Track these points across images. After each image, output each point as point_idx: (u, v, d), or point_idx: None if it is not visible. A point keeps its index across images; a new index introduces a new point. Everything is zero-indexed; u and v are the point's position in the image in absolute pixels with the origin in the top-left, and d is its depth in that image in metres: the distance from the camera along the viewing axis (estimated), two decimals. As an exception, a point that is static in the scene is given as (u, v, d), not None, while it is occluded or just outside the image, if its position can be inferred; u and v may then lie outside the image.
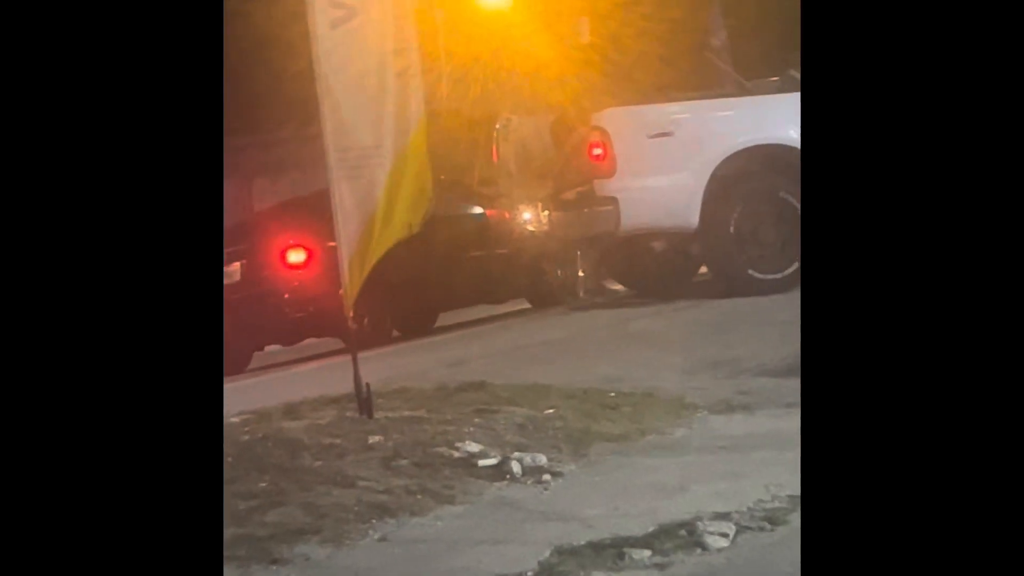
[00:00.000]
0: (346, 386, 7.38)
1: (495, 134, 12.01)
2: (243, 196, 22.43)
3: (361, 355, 7.36)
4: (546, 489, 6.02)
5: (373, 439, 6.64)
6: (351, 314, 7.36)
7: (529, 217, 11.53)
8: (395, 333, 13.64)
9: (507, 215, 11.98)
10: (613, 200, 10.84)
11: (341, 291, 7.28)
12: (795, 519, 5.42)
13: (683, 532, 5.26)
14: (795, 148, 10.96)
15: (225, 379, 11.78)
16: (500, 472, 6.18)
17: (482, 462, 6.28)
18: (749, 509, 5.49)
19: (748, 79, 11.94)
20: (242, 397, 8.40)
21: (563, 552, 5.14)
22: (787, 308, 10.08)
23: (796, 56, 11.50)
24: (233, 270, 12.95)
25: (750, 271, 10.95)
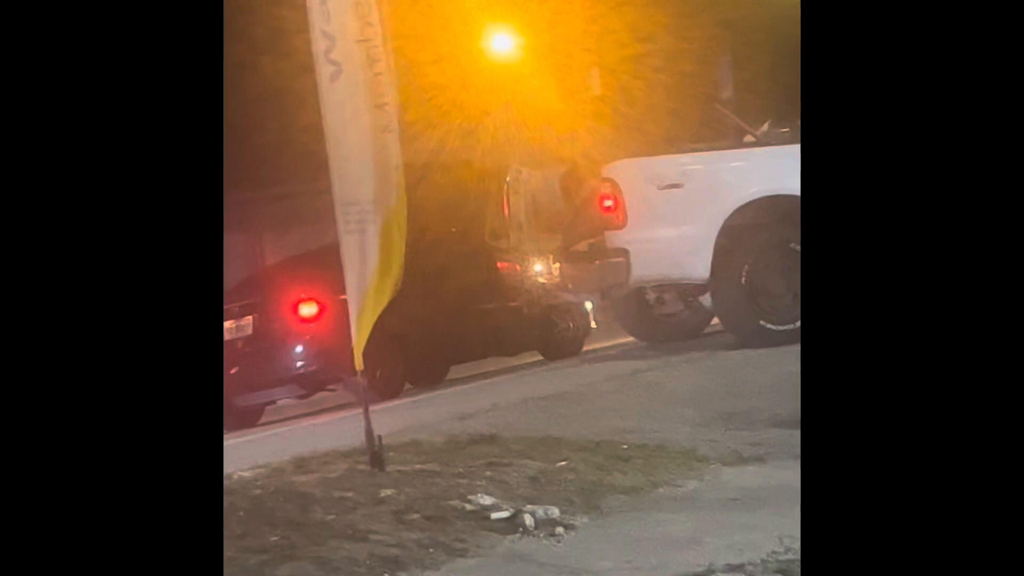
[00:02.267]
0: (357, 439, 7.37)
1: (505, 186, 12.03)
2: (254, 250, 22.48)
3: (372, 408, 7.35)
4: (559, 542, 6.00)
5: (385, 492, 6.62)
6: (362, 367, 7.35)
7: (540, 269, 11.54)
8: (407, 386, 13.63)
9: (518, 268, 11.99)
10: (624, 252, 10.84)
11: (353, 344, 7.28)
12: (809, 571, 5.40)
13: (696, 584, 5.25)
14: (806, 199, 10.97)
15: (237, 432, 11.74)
16: (512, 525, 6.16)
17: (494, 515, 6.26)
18: (763, 561, 5.46)
19: (758, 130, 11.96)
20: (254, 450, 8.39)
21: (576, 605, 5.13)
22: (799, 359, 10.07)
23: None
24: (245, 323, 12.96)
25: (761, 322, 10.93)
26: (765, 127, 11.74)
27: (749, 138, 11.77)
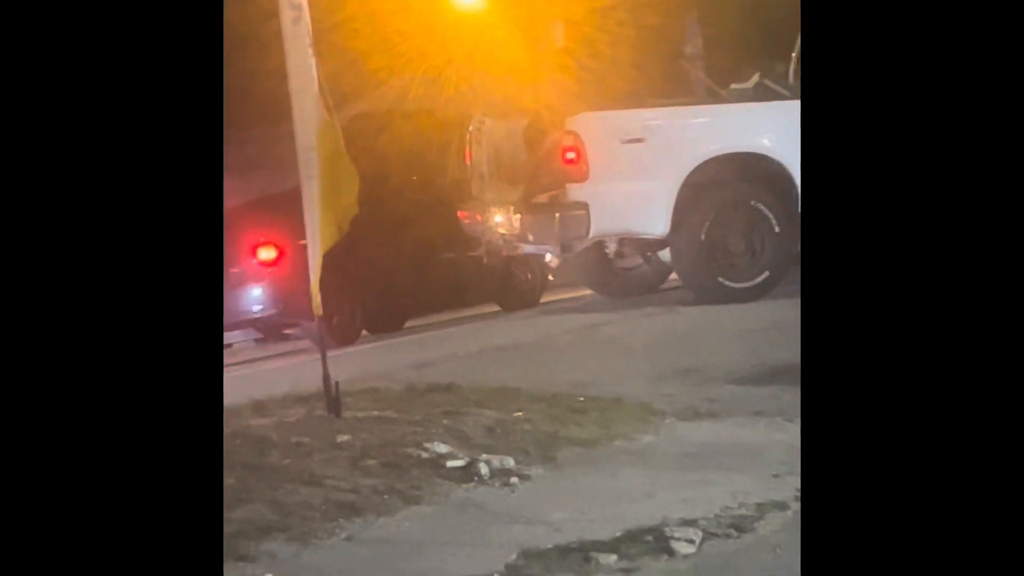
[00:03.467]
0: (315, 384, 7.37)
1: (468, 136, 12.00)
2: (214, 193, 22.37)
3: (329, 354, 7.35)
4: (513, 492, 6.02)
5: (341, 438, 6.63)
6: (320, 312, 7.35)
7: (500, 220, 11.53)
8: (364, 332, 13.62)
9: (479, 218, 11.97)
10: (584, 205, 10.84)
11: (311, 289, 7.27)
12: (761, 527, 5.44)
13: (650, 538, 5.28)
14: (768, 157, 10.99)
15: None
16: (468, 474, 6.18)
17: (450, 463, 6.28)
18: (716, 516, 5.50)
19: (722, 87, 11.97)
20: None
21: (529, 555, 5.15)
22: (757, 317, 10.12)
23: (771, 64, 11.49)
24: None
25: (720, 279, 10.97)
26: (755, 78, 11.75)
27: (735, 87, 11.76)
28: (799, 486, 5.87)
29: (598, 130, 10.96)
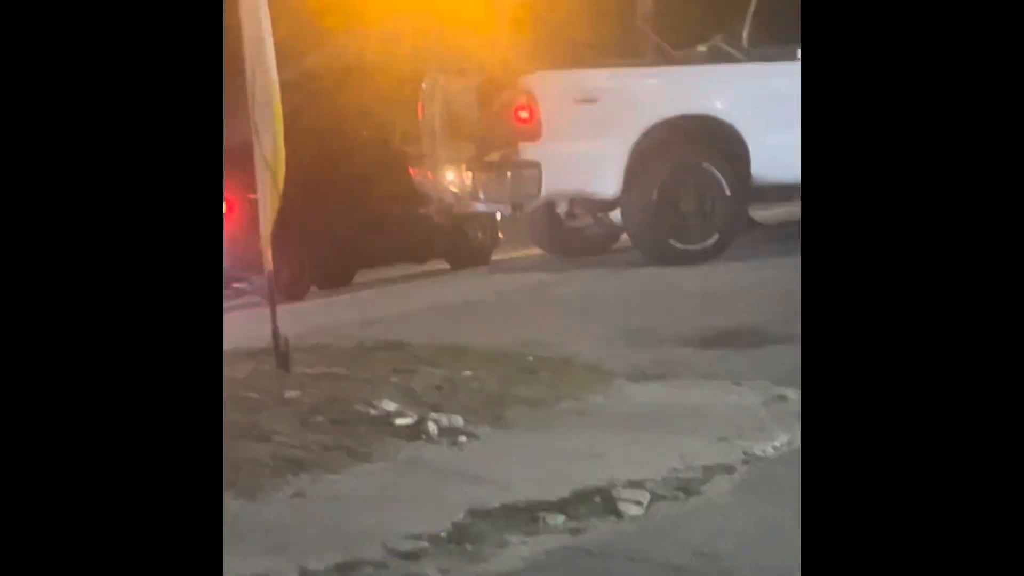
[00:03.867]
0: (263, 339, 7.35)
1: (421, 93, 11.96)
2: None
3: (279, 309, 7.33)
4: (462, 451, 6.03)
5: (290, 394, 6.62)
6: (271, 267, 7.32)
7: (452, 178, 11.50)
8: (313, 289, 13.59)
9: (430, 175, 11.94)
10: (536, 164, 10.84)
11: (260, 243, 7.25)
12: (708, 489, 5.47)
13: (597, 498, 5.29)
14: (720, 120, 11.00)
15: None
16: (416, 432, 6.18)
17: (399, 421, 6.28)
18: (663, 478, 5.53)
19: (676, 49, 11.96)
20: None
21: (477, 514, 5.16)
22: (706, 279, 10.15)
23: (725, 27, 11.48)
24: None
25: (671, 241, 10.99)
26: (711, 41, 11.75)
27: (689, 49, 11.76)
28: (746, 449, 5.90)
29: (551, 89, 10.94)
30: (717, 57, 11.61)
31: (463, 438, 6.15)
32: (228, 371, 7.13)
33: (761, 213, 12.47)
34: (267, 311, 7.30)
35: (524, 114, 10.86)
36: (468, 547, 4.91)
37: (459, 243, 14.38)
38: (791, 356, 7.51)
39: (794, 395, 6.69)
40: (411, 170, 12.35)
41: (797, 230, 12.18)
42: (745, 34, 12.33)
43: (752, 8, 12.24)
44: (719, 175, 11.03)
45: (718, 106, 11.04)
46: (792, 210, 13.08)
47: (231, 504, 5.25)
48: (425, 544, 4.92)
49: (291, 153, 7.01)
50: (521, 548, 4.93)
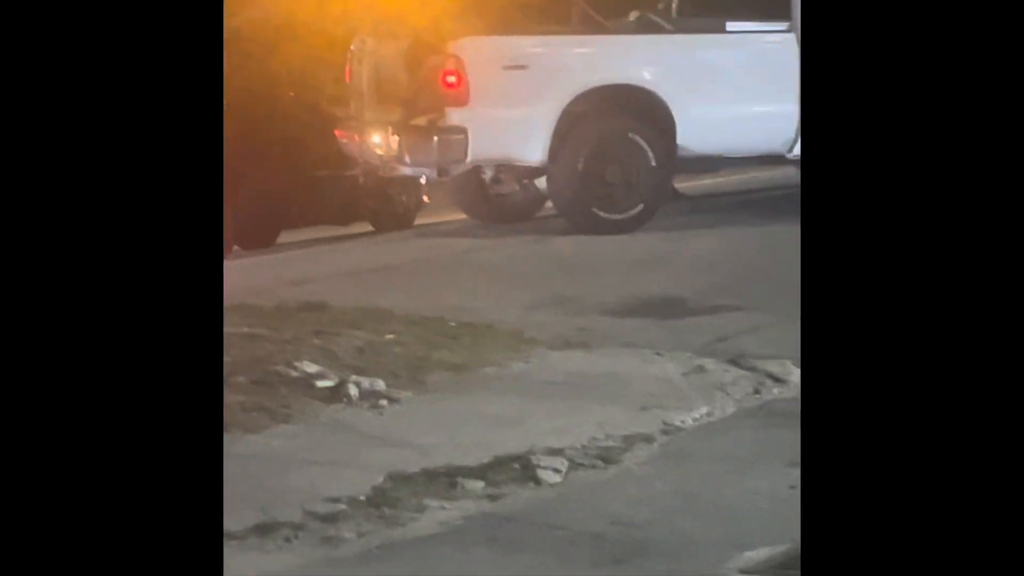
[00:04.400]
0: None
1: (350, 55, 11.90)
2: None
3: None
4: (382, 414, 6.03)
5: (211, 354, 6.59)
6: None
7: (378, 141, 11.46)
8: (235, 248, 13.52)
9: (356, 137, 11.89)
10: (463, 129, 10.82)
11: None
12: (627, 459, 5.50)
13: (517, 465, 5.32)
14: (648, 90, 11.03)
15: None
16: (337, 394, 6.18)
17: (320, 383, 6.28)
18: (583, 446, 5.56)
19: (606, 18, 11.96)
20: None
21: (396, 478, 5.17)
22: (630, 248, 10.19)
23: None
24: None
25: (595, 209, 11.01)
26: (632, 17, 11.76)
27: (631, 18, 11.76)
28: (666, 419, 5.95)
29: (480, 55, 10.92)
30: (646, 27, 11.63)
31: (384, 402, 6.15)
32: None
33: (685, 184, 12.51)
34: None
35: (452, 79, 10.83)
36: (386, 511, 4.93)
37: (384, 206, 14.32)
38: (712, 327, 7.57)
39: (713, 366, 6.75)
40: (338, 132, 12.30)
41: (720, 202, 12.23)
42: (674, 5, 12.36)
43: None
44: (645, 145, 11.05)
45: (646, 76, 11.06)
46: (718, 181, 13.15)
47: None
48: (344, 507, 4.93)
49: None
50: (439, 513, 4.95)
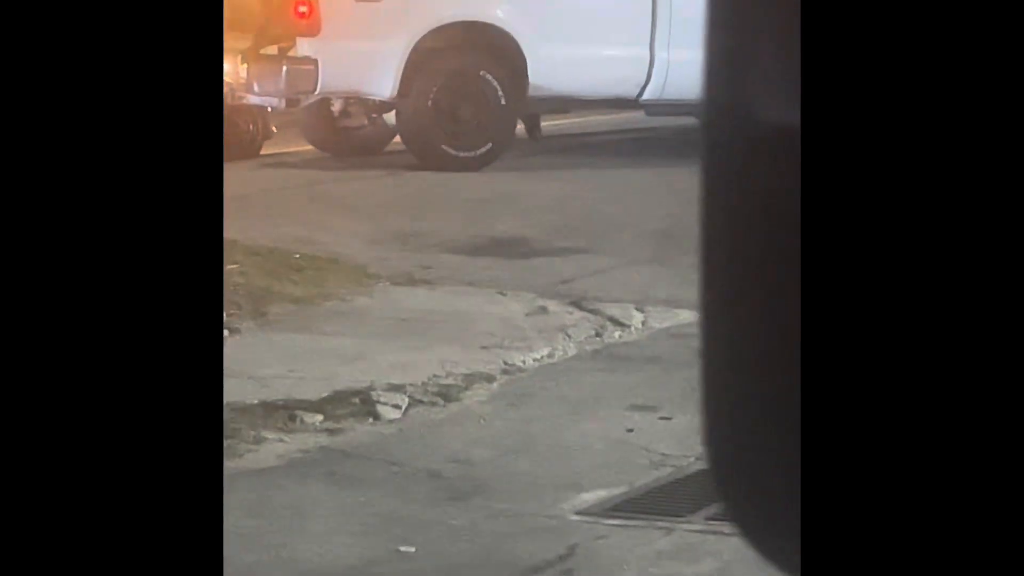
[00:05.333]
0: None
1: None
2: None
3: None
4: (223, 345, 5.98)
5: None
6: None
7: (227, 69, 11.33)
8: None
9: (204, 63, 11.74)
10: (313, 60, 10.74)
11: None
12: (467, 397, 5.51)
13: (356, 400, 5.31)
14: (501, 28, 11.01)
15: None
16: (177, 324, 6.10)
17: (159, 312, 6.20)
18: (423, 384, 5.56)
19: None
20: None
21: (235, 409, 5.13)
22: (477, 186, 10.18)
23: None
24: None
25: (444, 146, 10.99)
26: None
27: None
28: (507, 359, 5.97)
29: (333, -15, 10.82)
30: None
31: (224, 332, 6.10)
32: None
33: (545, 124, 12.53)
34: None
35: (303, 8, 10.73)
36: (224, 442, 4.89)
37: (230, 135, 14.18)
38: (556, 269, 7.60)
39: (556, 308, 6.78)
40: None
41: (570, 143, 12.27)
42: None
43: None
44: (495, 83, 11.04)
45: (498, 14, 11.04)
46: (576, 121, 13.17)
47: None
48: (180, 438, 4.88)
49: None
50: (278, 446, 4.93)
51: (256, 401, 5.22)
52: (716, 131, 0.84)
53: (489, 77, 11.01)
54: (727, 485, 0.93)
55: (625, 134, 12.51)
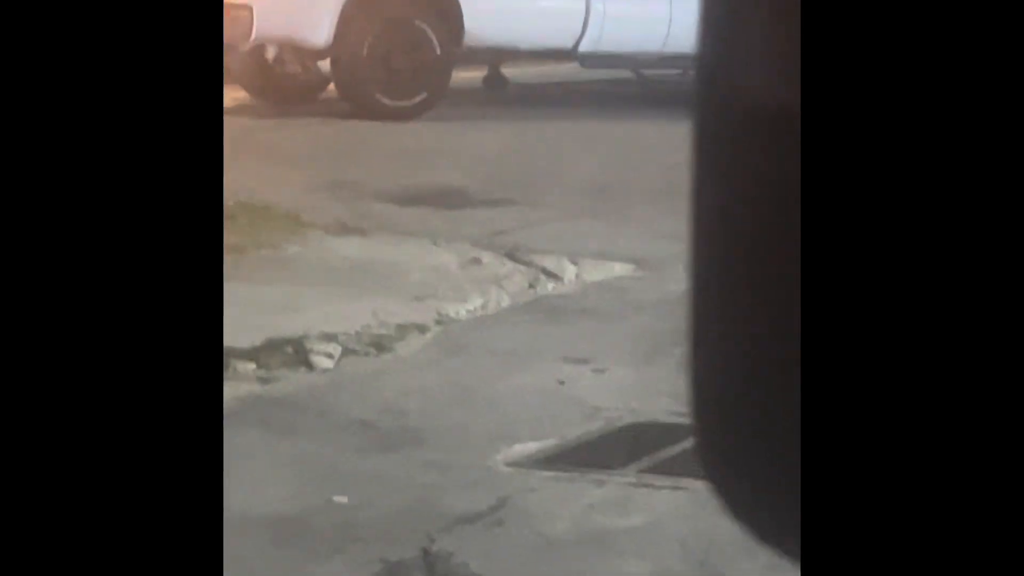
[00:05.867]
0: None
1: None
2: None
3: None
4: (154, 293, 5.94)
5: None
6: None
7: (160, 12, 11.23)
8: None
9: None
10: (248, 6, 10.66)
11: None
12: (401, 347, 5.51)
13: (289, 349, 5.29)
14: (436, -22, 10.98)
15: None
16: (108, 271, 6.06)
17: (90, 258, 6.15)
18: (356, 333, 5.54)
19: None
20: None
21: (166, 358, 5.10)
22: (413, 136, 10.16)
23: None
24: None
25: (378, 95, 10.95)
26: None
27: None
28: (440, 309, 5.96)
29: (268, -69, 10.74)
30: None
31: (156, 280, 6.06)
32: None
33: (468, 75, 12.50)
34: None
35: (239, -46, 10.64)
36: (155, 391, 4.86)
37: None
38: (490, 220, 7.59)
39: (489, 259, 6.78)
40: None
41: (506, 94, 12.22)
42: None
43: None
44: (430, 33, 11.00)
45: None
46: (516, 71, 13.13)
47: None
48: (111, 385, 4.85)
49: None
50: (209, 395, 4.90)
51: (188, 349, 5.19)
52: (708, 111, 0.83)
53: (424, 27, 10.98)
54: (716, 464, 0.93)
55: (561, 85, 12.49)
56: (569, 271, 6.53)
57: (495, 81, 12.50)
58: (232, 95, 12.85)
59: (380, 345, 5.47)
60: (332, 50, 10.94)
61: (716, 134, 0.83)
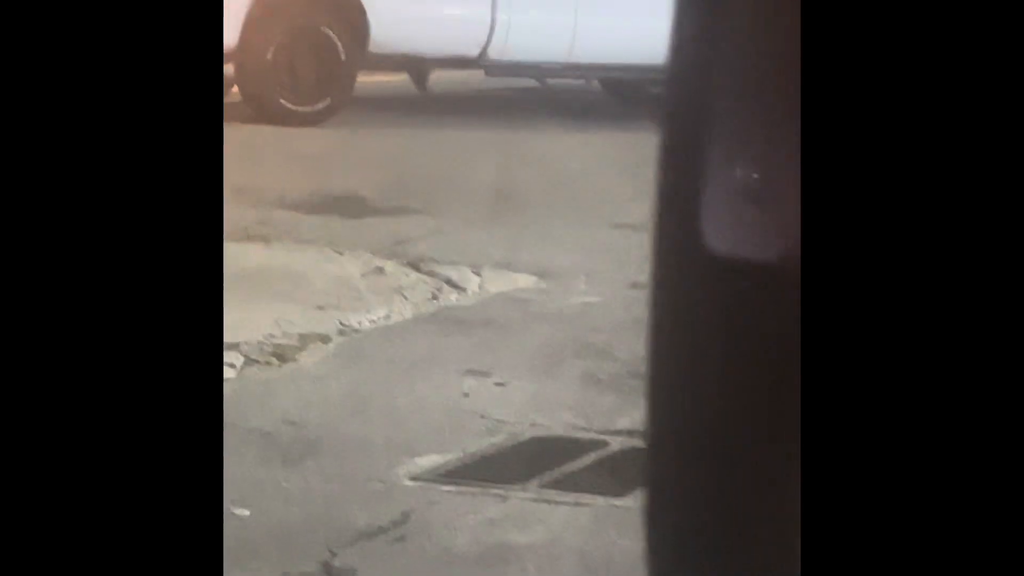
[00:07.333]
0: None
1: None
2: None
3: None
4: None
5: None
6: None
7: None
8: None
9: None
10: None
11: None
12: (302, 357, 5.48)
13: (190, 358, 5.25)
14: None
15: None
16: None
17: None
18: (258, 342, 5.51)
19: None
20: None
21: (65, 366, 5.05)
22: (315, 142, 10.13)
23: None
24: None
25: (282, 100, 10.91)
26: None
27: None
28: (342, 319, 5.94)
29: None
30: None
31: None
32: None
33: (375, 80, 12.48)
34: None
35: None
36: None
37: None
38: (392, 228, 7.58)
39: (392, 268, 6.76)
40: None
41: (410, 102, 12.17)
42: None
43: None
44: (336, 39, 10.98)
45: (342, -30, 10.98)
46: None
47: None
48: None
49: None
50: (108, 404, 4.86)
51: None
52: (676, 124, 0.82)
53: (330, 33, 10.96)
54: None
55: (467, 94, 12.50)
56: (472, 282, 6.53)
57: (420, 84, 12.49)
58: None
59: (282, 355, 5.45)
60: (237, 54, 10.89)
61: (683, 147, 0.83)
